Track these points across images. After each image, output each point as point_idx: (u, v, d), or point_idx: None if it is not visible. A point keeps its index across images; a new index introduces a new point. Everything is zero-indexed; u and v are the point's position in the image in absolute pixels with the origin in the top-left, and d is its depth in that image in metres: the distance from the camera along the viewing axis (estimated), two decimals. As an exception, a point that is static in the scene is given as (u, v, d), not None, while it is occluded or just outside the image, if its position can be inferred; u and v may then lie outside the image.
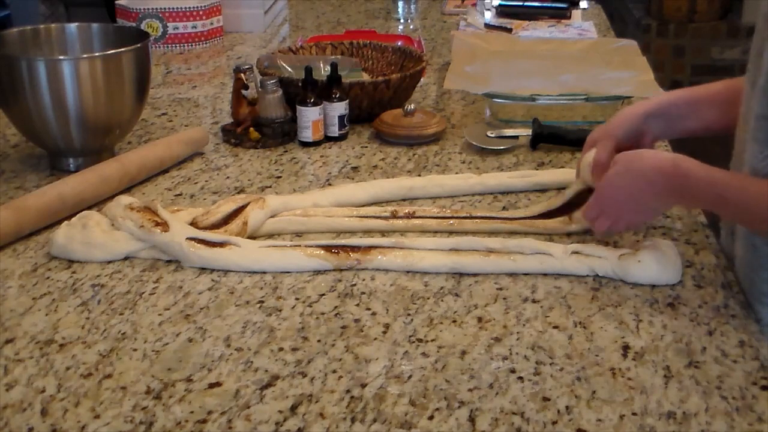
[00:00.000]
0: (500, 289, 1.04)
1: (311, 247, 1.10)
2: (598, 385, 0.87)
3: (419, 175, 1.35)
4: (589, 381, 0.87)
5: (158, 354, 0.92)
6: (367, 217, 1.19)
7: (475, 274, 1.07)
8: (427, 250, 1.10)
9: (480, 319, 0.98)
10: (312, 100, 1.46)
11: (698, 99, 1.16)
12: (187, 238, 1.09)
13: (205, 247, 1.09)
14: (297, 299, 1.02)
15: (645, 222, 1.15)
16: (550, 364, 0.90)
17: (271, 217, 1.19)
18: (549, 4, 2.34)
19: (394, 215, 1.19)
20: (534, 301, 1.02)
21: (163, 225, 1.11)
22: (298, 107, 1.46)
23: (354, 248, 1.10)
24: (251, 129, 1.48)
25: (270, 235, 1.18)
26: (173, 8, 2.06)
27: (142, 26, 2.05)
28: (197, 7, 2.09)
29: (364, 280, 1.07)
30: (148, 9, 2.05)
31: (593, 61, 1.78)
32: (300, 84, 1.47)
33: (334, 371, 0.89)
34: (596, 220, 1.09)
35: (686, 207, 1.14)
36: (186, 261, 1.09)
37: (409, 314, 0.99)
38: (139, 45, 1.36)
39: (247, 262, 1.08)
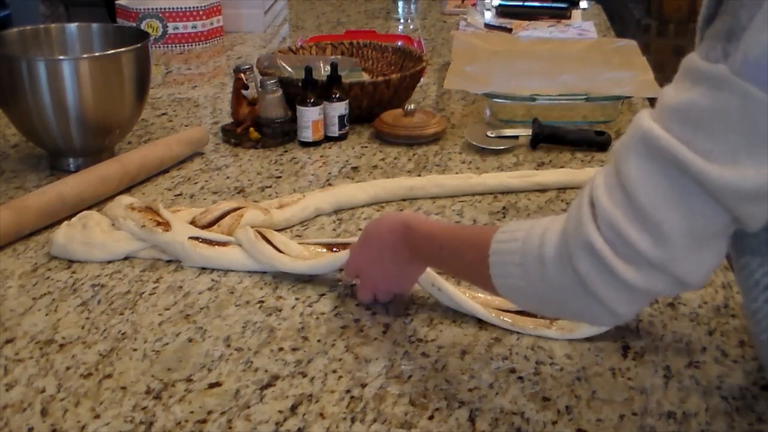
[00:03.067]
0: (500, 289, 1.04)
1: (312, 245, 1.10)
2: (598, 385, 0.87)
3: (419, 175, 1.35)
4: (589, 381, 0.87)
5: (158, 354, 0.92)
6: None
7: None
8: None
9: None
10: (312, 100, 1.46)
11: None
12: (189, 238, 1.09)
13: (207, 246, 1.09)
14: (297, 299, 1.02)
15: (404, 289, 1.01)
16: (550, 364, 0.90)
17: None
18: (549, 4, 2.34)
19: None
20: (534, 301, 1.01)
21: (165, 225, 1.11)
22: (298, 107, 1.46)
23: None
24: (251, 129, 1.48)
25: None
26: (173, 8, 2.06)
27: (142, 26, 2.04)
28: (197, 7, 2.09)
29: (364, 280, 1.06)
30: (148, 9, 2.05)
31: (593, 61, 1.78)
32: (300, 84, 1.47)
33: (334, 371, 0.89)
34: (358, 291, 1.01)
35: (422, 266, 0.97)
36: (187, 260, 1.09)
37: (409, 314, 0.99)
38: (139, 45, 1.36)
39: (248, 261, 1.08)
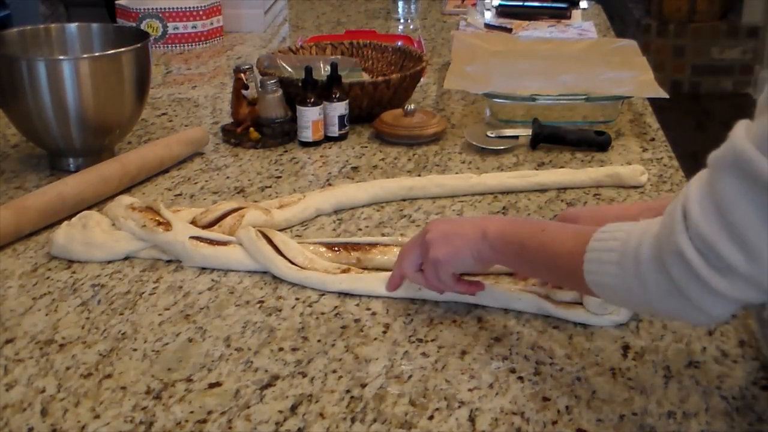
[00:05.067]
0: (500, 289, 1.04)
1: (312, 245, 1.10)
2: (598, 385, 0.87)
3: (419, 175, 1.35)
4: (589, 381, 0.87)
5: (158, 354, 0.92)
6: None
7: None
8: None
9: (480, 319, 0.98)
10: (312, 100, 1.46)
11: None
12: (189, 237, 1.09)
13: (208, 245, 1.09)
14: (297, 299, 1.02)
15: (453, 260, 0.95)
16: (550, 364, 0.90)
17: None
18: (549, 4, 2.34)
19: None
20: (534, 301, 1.02)
21: (165, 224, 1.11)
22: (298, 107, 1.46)
23: (355, 246, 1.10)
24: (251, 129, 1.48)
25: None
26: (173, 8, 2.06)
27: (142, 26, 2.04)
28: (197, 7, 2.09)
29: (364, 280, 1.06)
30: (148, 9, 2.05)
31: (593, 61, 1.78)
32: (300, 84, 1.47)
33: (334, 371, 0.89)
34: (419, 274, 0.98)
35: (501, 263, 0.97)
36: (188, 260, 1.09)
37: (409, 314, 0.99)
38: (139, 45, 1.36)
39: (249, 260, 1.08)
